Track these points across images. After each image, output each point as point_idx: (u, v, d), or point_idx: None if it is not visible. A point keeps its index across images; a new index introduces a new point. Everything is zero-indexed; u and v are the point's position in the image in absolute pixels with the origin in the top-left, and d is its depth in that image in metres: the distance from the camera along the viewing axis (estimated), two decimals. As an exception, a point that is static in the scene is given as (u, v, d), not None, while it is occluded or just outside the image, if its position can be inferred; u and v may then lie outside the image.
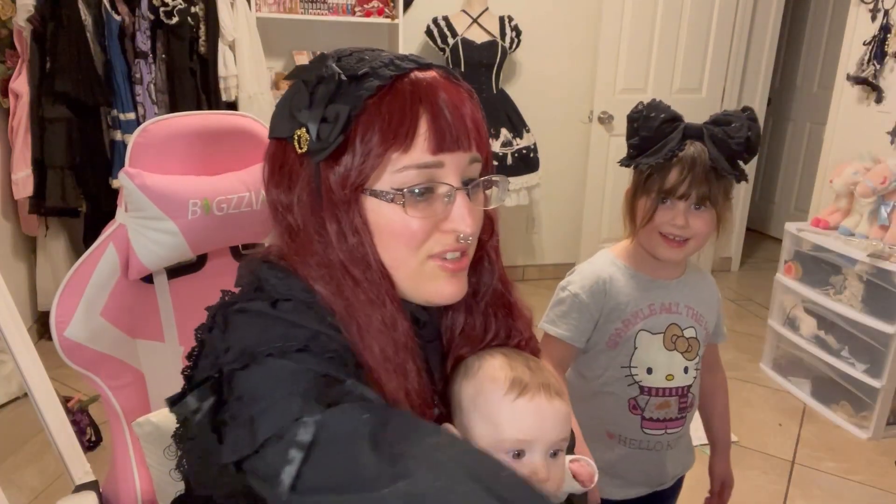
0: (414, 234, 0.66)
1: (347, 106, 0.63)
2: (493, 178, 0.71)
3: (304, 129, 0.65)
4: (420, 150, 0.64)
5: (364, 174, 0.64)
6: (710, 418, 1.39)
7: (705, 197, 1.12)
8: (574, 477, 0.81)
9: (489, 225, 0.76)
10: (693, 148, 1.13)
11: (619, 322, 1.21)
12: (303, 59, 3.22)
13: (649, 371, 1.22)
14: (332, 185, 0.65)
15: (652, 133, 1.15)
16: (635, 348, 1.21)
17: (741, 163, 1.15)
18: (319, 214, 0.66)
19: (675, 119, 1.16)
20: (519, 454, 0.69)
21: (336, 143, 0.63)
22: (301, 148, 0.65)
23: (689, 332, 1.24)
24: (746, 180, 1.17)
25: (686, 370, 1.23)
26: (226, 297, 0.70)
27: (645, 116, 1.16)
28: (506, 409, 0.69)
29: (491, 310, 0.77)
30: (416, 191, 0.64)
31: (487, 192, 0.72)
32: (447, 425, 0.73)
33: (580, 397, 1.26)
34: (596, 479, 0.83)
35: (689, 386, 1.24)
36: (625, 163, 1.22)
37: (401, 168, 0.64)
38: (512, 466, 0.69)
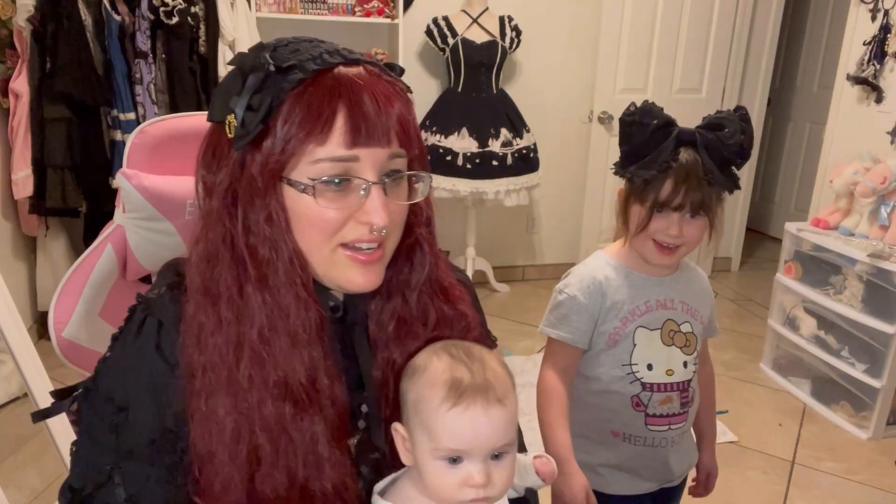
0: (327, 223, 0.68)
1: (270, 96, 0.65)
2: (419, 174, 0.73)
3: (232, 115, 0.67)
4: (335, 143, 0.66)
5: (281, 163, 0.66)
6: (699, 410, 1.38)
7: (699, 206, 1.13)
8: (536, 472, 0.82)
9: (421, 213, 0.78)
10: (687, 156, 1.12)
11: (616, 321, 1.22)
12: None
13: (650, 367, 1.22)
14: (253, 172, 0.67)
15: (645, 139, 1.14)
16: (634, 345, 1.22)
17: (734, 168, 1.16)
18: (235, 199, 0.68)
19: (669, 124, 1.15)
20: (455, 460, 0.70)
21: (255, 131, 0.66)
22: (230, 133, 0.67)
23: (685, 327, 1.25)
24: (739, 188, 1.17)
25: (685, 364, 1.24)
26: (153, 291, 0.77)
27: (638, 123, 1.15)
28: (440, 419, 0.69)
29: (427, 297, 0.78)
30: (331, 181, 0.67)
31: (416, 185, 0.74)
32: (396, 424, 0.74)
33: (583, 398, 1.27)
34: (556, 476, 0.84)
35: (689, 380, 1.25)
36: (619, 172, 1.21)
37: (316, 160, 0.66)
38: None
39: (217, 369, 0.69)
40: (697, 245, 1.18)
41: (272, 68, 0.66)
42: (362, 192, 0.68)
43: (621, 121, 1.18)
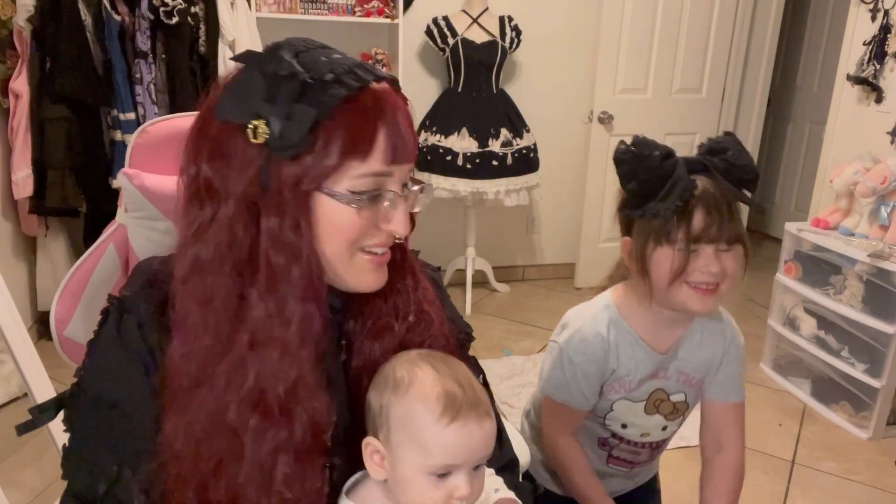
0: (356, 230, 0.71)
1: (315, 110, 0.65)
2: (425, 185, 0.78)
3: (262, 122, 0.65)
4: (376, 160, 0.69)
5: (322, 176, 0.68)
6: None
7: (736, 234, 1.03)
8: None
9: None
10: (706, 184, 1.02)
11: (604, 385, 1.17)
12: (303, 59, 3.21)
13: (624, 426, 1.19)
14: (285, 181, 0.67)
15: (653, 171, 1.02)
16: (611, 409, 1.18)
17: (748, 192, 1.07)
18: (252, 207, 0.68)
19: (670, 154, 1.04)
20: (444, 475, 0.70)
21: (302, 144, 0.66)
22: (256, 139, 0.66)
23: (676, 397, 1.19)
24: (759, 209, 1.09)
25: (665, 428, 1.21)
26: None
27: (638, 155, 1.03)
28: (437, 435, 0.69)
29: (398, 294, 0.81)
30: (368, 195, 0.70)
31: (422, 195, 0.78)
32: (368, 439, 0.73)
33: None
34: None
35: (666, 439, 1.22)
36: (634, 213, 1.06)
37: (357, 175, 0.69)
38: None
39: (197, 365, 0.69)
40: (737, 281, 1.06)
41: (309, 80, 0.65)
42: (387, 204, 0.72)
43: (617, 159, 1.06)
